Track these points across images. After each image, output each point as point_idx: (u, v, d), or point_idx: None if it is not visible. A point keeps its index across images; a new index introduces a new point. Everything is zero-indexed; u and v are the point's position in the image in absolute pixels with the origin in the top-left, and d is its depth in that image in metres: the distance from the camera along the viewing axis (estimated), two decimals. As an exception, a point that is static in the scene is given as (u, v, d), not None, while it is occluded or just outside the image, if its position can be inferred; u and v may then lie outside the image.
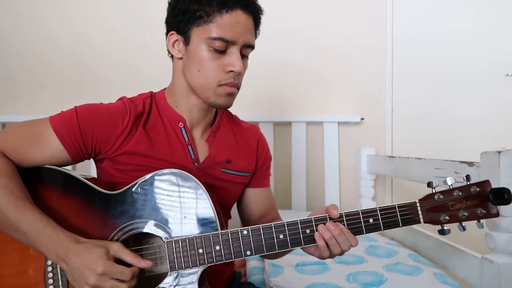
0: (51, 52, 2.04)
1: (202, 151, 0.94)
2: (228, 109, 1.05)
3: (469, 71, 2.16)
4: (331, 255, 0.81)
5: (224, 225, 0.83)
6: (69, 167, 0.88)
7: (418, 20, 2.17)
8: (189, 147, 0.92)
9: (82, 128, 0.83)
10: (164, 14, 0.91)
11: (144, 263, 0.76)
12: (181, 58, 0.89)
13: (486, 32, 2.15)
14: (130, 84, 2.06)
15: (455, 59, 2.16)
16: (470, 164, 1.13)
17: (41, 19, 2.04)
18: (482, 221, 0.78)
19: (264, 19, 0.91)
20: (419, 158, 1.43)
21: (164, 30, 0.92)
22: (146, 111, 0.91)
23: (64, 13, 2.05)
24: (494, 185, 0.98)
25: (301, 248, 0.82)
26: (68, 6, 2.05)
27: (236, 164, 0.97)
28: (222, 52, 0.83)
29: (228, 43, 0.82)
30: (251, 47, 0.87)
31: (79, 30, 2.05)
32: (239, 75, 0.86)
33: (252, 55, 0.91)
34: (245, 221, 1.06)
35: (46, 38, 2.04)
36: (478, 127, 2.14)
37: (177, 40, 0.88)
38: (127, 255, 0.75)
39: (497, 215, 0.77)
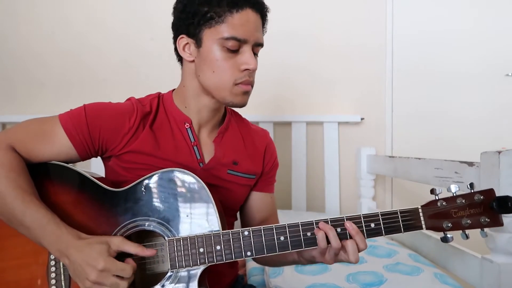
0: (50, 52, 2.04)
1: (208, 152, 0.95)
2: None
3: (469, 71, 2.16)
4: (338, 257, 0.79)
5: (226, 226, 0.84)
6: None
7: (418, 20, 2.17)
8: (195, 147, 0.93)
9: (90, 127, 0.85)
10: (164, 15, 0.91)
11: (148, 251, 0.77)
12: (192, 61, 0.89)
13: (486, 32, 2.16)
14: (130, 84, 2.06)
15: (455, 59, 2.16)
16: (470, 164, 1.13)
17: (40, 19, 2.04)
18: (485, 229, 0.77)
19: (266, 19, 0.92)
20: (419, 158, 1.43)
21: (165, 31, 0.92)
22: (153, 111, 0.92)
23: (63, 13, 2.04)
24: (494, 185, 0.98)
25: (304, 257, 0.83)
26: (67, 6, 2.04)
27: (243, 166, 0.97)
28: (235, 51, 0.84)
29: (240, 42, 0.83)
30: (261, 45, 0.89)
31: (78, 30, 2.05)
32: (253, 72, 0.87)
33: (253, 54, 0.92)
34: (245, 225, 1.05)
35: (45, 38, 2.04)
36: (478, 127, 2.14)
37: (187, 43, 0.88)
38: (130, 246, 0.76)
39: (501, 224, 0.76)
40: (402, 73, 2.16)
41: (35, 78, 2.04)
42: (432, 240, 1.46)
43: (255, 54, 0.88)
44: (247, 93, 0.88)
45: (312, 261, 0.84)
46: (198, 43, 0.86)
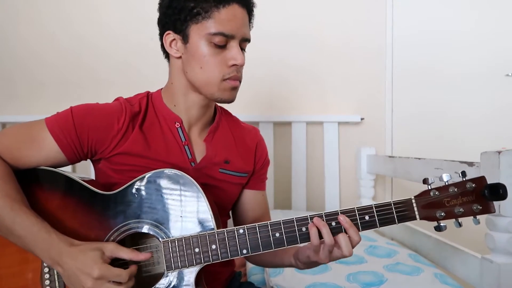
0: (50, 51, 2.04)
1: (200, 151, 0.94)
2: (228, 109, 1.05)
3: (469, 71, 2.15)
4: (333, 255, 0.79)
5: (220, 225, 0.83)
6: (67, 168, 0.88)
7: (418, 20, 2.17)
8: (186, 147, 0.92)
9: (77, 129, 0.83)
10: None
11: (142, 256, 0.76)
12: (179, 57, 0.88)
13: (486, 32, 2.15)
14: (130, 84, 2.05)
15: (455, 60, 2.16)
16: (470, 164, 1.13)
17: (40, 19, 2.04)
18: (478, 217, 0.77)
19: (265, 19, 0.91)
20: (419, 158, 1.43)
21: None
22: (143, 111, 0.90)
23: (63, 13, 2.05)
24: (494, 184, 0.98)
25: (298, 256, 0.83)
26: (68, 6, 2.05)
27: (234, 164, 0.97)
28: (222, 47, 0.84)
29: (227, 37, 0.83)
30: (248, 40, 0.88)
31: (78, 30, 2.05)
32: (241, 67, 0.87)
33: (253, 54, 0.91)
34: (238, 224, 1.05)
35: (45, 38, 2.04)
36: (478, 127, 2.14)
37: (174, 39, 0.87)
38: (124, 253, 0.75)
39: (493, 211, 0.77)
40: (402, 74, 2.15)
41: (36, 78, 2.04)
42: (432, 240, 1.45)
43: (243, 50, 0.88)
44: (235, 89, 0.88)
45: (307, 262, 0.84)
46: (185, 39, 0.85)
